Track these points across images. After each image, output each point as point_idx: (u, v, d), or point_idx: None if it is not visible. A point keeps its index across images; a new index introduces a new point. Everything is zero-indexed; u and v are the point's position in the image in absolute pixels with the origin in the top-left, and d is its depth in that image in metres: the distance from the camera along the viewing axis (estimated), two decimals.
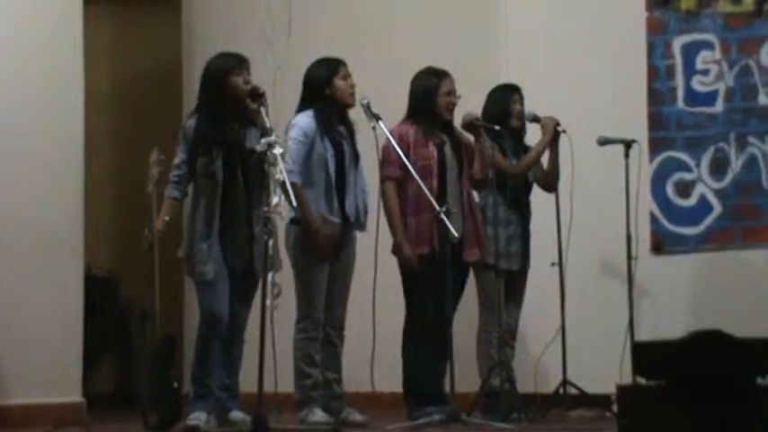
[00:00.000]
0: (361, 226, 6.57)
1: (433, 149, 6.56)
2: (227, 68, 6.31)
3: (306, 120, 6.45)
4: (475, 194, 6.80)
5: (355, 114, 6.56)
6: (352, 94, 6.48)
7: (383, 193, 6.53)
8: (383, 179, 6.54)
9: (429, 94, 6.60)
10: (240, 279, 6.32)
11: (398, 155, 6.36)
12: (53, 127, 7.00)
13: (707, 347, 3.32)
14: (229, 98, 6.29)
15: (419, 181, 6.32)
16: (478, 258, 6.65)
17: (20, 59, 6.91)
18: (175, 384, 6.31)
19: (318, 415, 6.36)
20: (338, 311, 6.53)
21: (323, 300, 6.43)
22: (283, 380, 6.46)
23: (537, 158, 6.85)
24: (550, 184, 6.88)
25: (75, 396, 6.96)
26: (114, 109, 9.17)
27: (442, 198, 6.42)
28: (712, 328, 3.46)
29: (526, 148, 6.95)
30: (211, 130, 6.27)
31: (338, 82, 6.48)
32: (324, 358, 6.51)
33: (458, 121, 6.69)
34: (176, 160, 6.36)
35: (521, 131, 6.96)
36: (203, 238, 6.24)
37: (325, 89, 6.47)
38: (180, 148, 6.35)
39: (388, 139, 6.41)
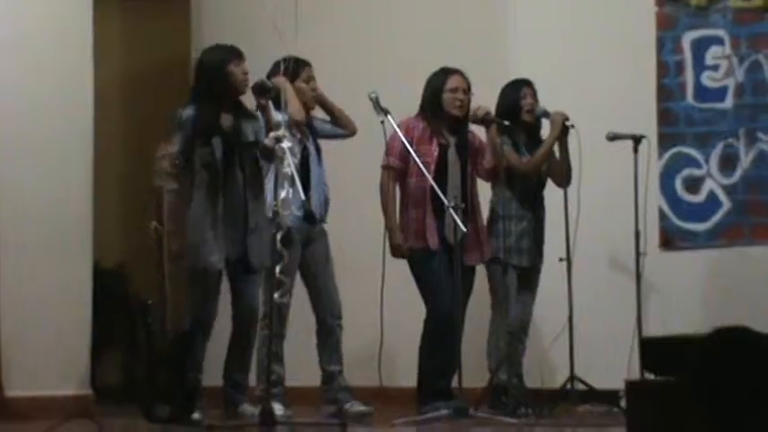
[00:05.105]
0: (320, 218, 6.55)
1: (435, 148, 6.57)
2: (224, 59, 6.31)
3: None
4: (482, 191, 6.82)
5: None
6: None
7: (381, 182, 6.58)
8: (382, 167, 6.59)
9: (435, 91, 6.63)
10: (238, 272, 6.33)
11: (402, 146, 6.39)
12: (63, 122, 7.00)
13: (728, 344, 3.30)
14: (226, 89, 6.29)
15: (427, 175, 6.34)
16: (479, 261, 6.69)
17: (29, 55, 6.91)
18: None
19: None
20: (334, 299, 6.55)
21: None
22: (291, 373, 6.49)
23: (546, 154, 6.83)
24: (563, 179, 6.85)
25: (83, 389, 6.96)
26: (123, 103, 9.17)
27: (436, 197, 6.41)
28: (737, 325, 3.44)
29: (540, 143, 6.94)
30: (210, 120, 6.25)
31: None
32: (326, 351, 6.53)
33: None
34: (173, 150, 6.33)
35: (533, 126, 6.95)
36: (204, 228, 6.23)
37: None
38: (177, 138, 6.34)
39: (394, 129, 6.43)
